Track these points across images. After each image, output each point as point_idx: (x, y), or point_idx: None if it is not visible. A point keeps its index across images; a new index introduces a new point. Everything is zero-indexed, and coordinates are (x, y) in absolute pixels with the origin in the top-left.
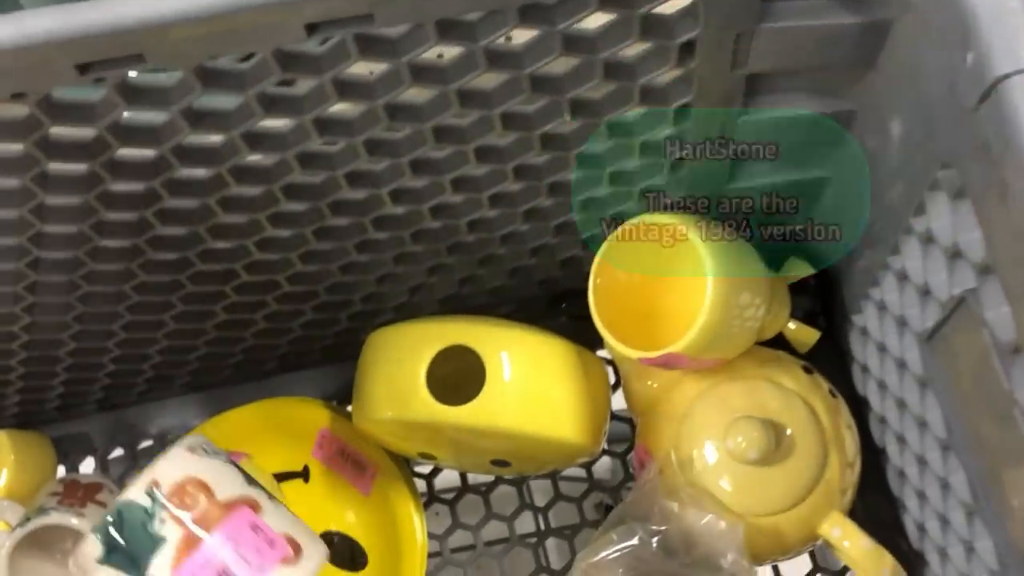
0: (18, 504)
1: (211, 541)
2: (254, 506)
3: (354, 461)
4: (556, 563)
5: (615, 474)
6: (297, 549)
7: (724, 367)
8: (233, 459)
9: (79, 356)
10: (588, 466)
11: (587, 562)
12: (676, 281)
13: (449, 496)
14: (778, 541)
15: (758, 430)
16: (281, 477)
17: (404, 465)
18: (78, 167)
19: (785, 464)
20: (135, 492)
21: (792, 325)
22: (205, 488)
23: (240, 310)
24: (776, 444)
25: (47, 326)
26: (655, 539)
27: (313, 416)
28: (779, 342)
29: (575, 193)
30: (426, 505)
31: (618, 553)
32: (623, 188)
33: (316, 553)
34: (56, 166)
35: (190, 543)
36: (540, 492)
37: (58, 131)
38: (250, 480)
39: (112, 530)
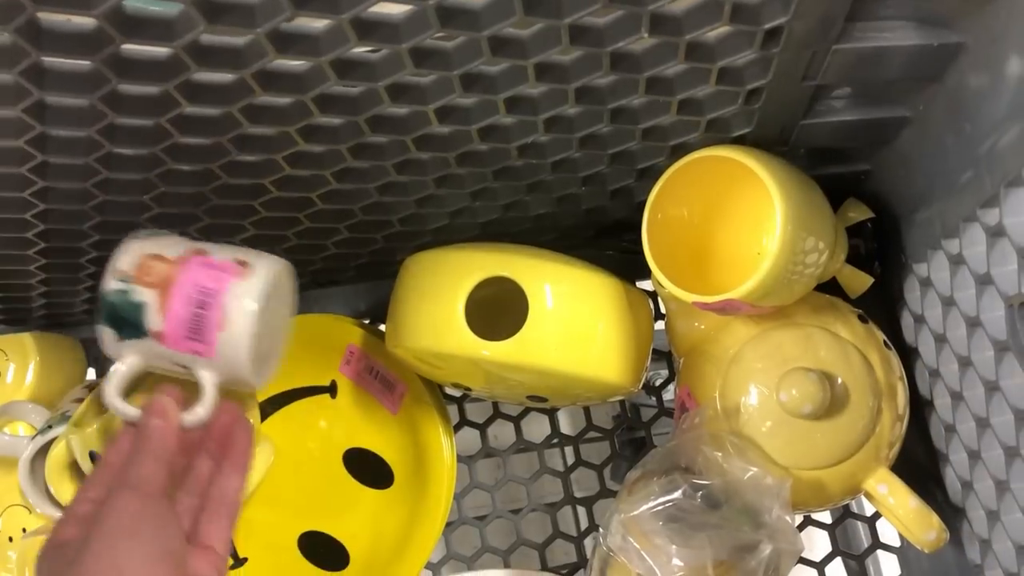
0: (43, 406)
1: (178, 285)
2: (201, 252)
3: (383, 379)
4: (580, 492)
5: (647, 410)
6: (245, 264)
7: (777, 312)
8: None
9: (103, 256)
10: (622, 400)
11: (627, 515)
12: (736, 221)
13: (480, 420)
14: (820, 494)
15: (813, 384)
16: (307, 391)
17: (435, 387)
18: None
19: (837, 418)
20: (111, 283)
21: (846, 270)
22: (159, 257)
23: (271, 225)
24: (829, 398)
25: (69, 234)
26: (700, 492)
27: (342, 332)
28: (828, 286)
29: (640, 119)
30: (456, 429)
31: (661, 506)
32: (692, 117)
33: (263, 263)
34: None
35: (166, 293)
36: (570, 422)
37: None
38: (195, 240)
39: (111, 316)
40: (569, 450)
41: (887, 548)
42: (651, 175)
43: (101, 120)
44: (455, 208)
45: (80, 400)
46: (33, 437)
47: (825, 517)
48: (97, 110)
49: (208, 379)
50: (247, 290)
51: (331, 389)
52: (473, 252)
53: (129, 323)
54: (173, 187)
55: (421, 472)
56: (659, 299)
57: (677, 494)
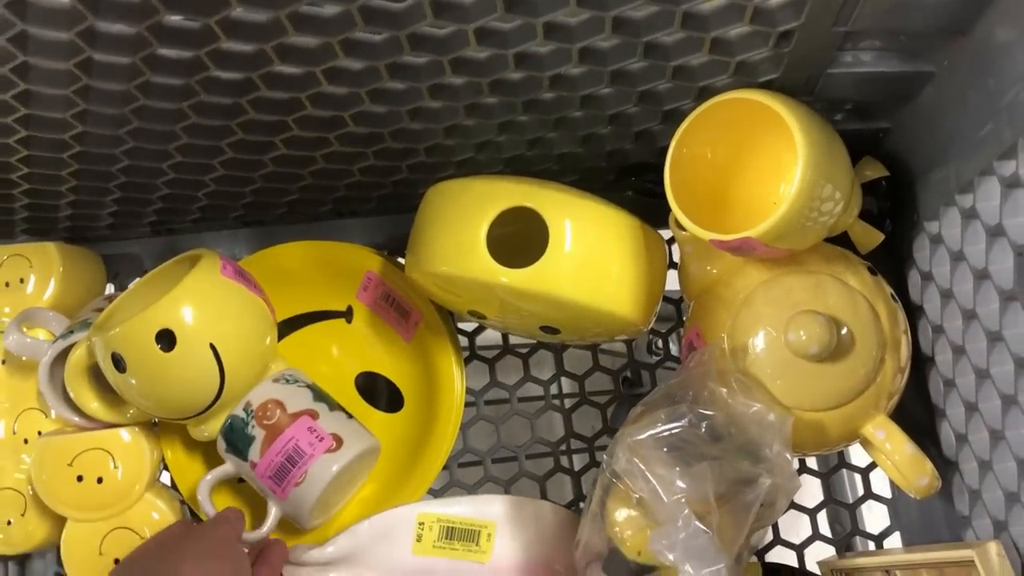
0: (63, 316)
1: (281, 437)
2: (313, 414)
3: (399, 307)
4: (584, 430)
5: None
6: (340, 442)
7: (789, 259)
8: (311, 384)
9: (132, 175)
10: (628, 342)
11: (633, 439)
12: (755, 168)
13: (490, 355)
14: (820, 436)
15: (820, 326)
16: (324, 316)
17: (449, 318)
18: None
19: (841, 363)
20: (240, 409)
21: (858, 225)
22: (280, 405)
23: (301, 146)
24: (835, 342)
25: (102, 157)
26: (704, 423)
27: (361, 259)
28: (839, 241)
29: (671, 57)
30: (466, 361)
31: (667, 432)
32: (722, 57)
33: (355, 445)
34: None
35: (270, 439)
36: (577, 361)
37: None
38: (318, 395)
39: (228, 432)
40: (569, 401)
41: (879, 499)
42: (675, 119)
43: (145, 48)
44: (481, 140)
45: (100, 310)
46: (54, 341)
47: (820, 465)
48: (143, 38)
49: (274, 513)
50: (331, 463)
51: (347, 314)
52: (498, 182)
53: (237, 446)
54: (212, 96)
55: (431, 399)
56: (674, 245)
57: (683, 423)
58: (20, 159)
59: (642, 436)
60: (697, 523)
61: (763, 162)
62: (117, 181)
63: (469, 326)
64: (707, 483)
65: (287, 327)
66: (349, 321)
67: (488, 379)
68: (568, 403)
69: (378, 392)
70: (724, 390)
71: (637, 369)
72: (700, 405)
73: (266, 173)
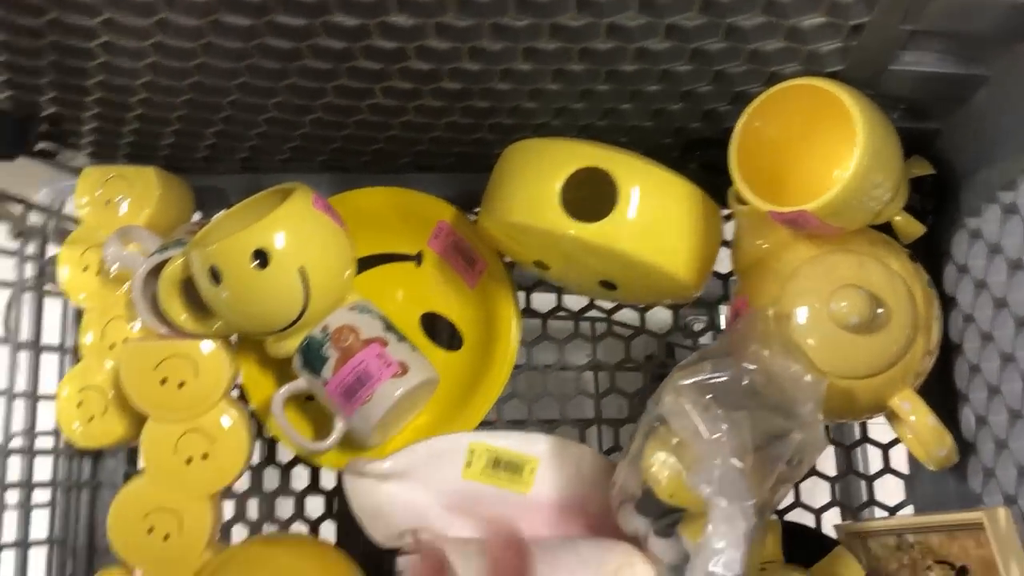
0: (156, 236)
1: (353, 360)
2: (383, 342)
3: (466, 256)
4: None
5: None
6: (405, 369)
7: (837, 239)
8: (382, 316)
9: (239, 110)
10: (677, 306)
11: (682, 382)
12: (812, 153)
13: (543, 311)
14: (849, 404)
15: (862, 299)
16: (396, 258)
17: (510, 272)
18: None
19: (876, 336)
20: (315, 331)
21: (900, 217)
22: (354, 331)
23: (397, 96)
24: (873, 316)
25: (216, 89)
26: (745, 378)
27: (435, 209)
28: (883, 230)
29: (750, 40)
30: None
31: (712, 380)
32: (796, 45)
33: (419, 373)
34: None
35: (342, 360)
36: (610, 350)
37: None
38: (387, 327)
39: (304, 350)
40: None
41: (896, 473)
42: (742, 101)
43: None
44: (560, 106)
45: (192, 233)
46: (150, 255)
47: (844, 438)
48: None
49: (339, 428)
50: (395, 387)
51: (417, 258)
52: (576, 143)
53: (311, 363)
54: (329, 39)
55: (487, 342)
56: (727, 224)
57: (727, 374)
58: (143, 83)
59: (689, 381)
60: (734, 460)
61: (819, 150)
62: (223, 114)
63: (526, 283)
64: (744, 430)
65: (361, 265)
66: (419, 265)
67: (539, 333)
68: (608, 370)
69: (439, 332)
70: (766, 351)
71: (668, 348)
72: (744, 361)
73: (360, 120)
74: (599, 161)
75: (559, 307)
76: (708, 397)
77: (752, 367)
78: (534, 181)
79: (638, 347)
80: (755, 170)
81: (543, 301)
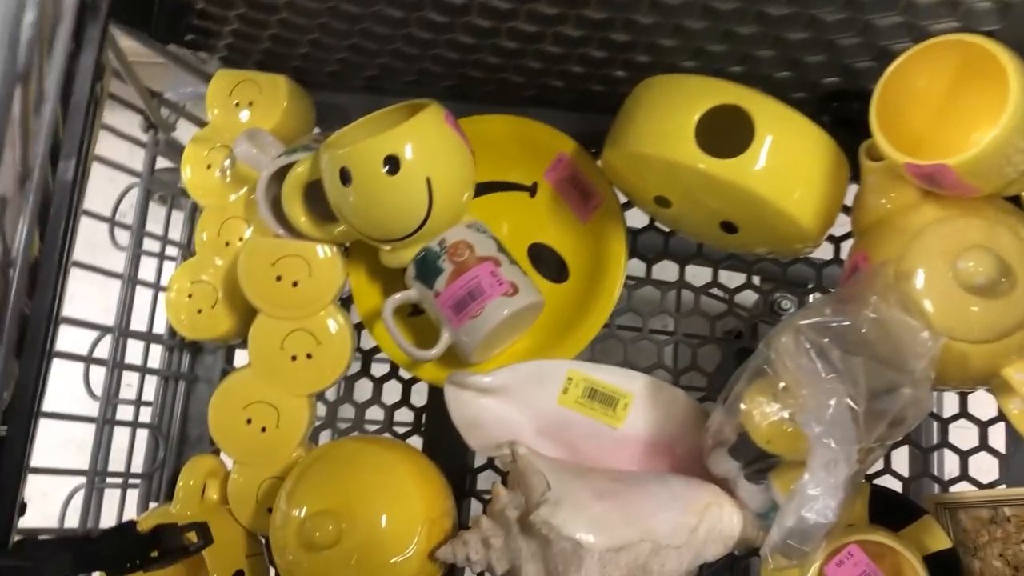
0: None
1: (467, 274)
2: (496, 262)
3: (582, 190)
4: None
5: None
6: (516, 289)
7: (967, 204)
8: (496, 238)
9: (379, 24)
10: (767, 289)
11: (802, 322)
12: (953, 114)
13: (649, 255)
14: (961, 368)
15: (991, 260)
16: (512, 187)
17: (623, 213)
18: None
19: (998, 301)
20: (432, 244)
21: None
22: (470, 247)
23: (538, 21)
24: (1000, 279)
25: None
26: (866, 325)
27: (556, 141)
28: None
29: None
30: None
31: (833, 324)
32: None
33: (528, 295)
34: None
35: (456, 273)
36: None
37: None
38: (500, 248)
39: (420, 262)
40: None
41: (993, 452)
42: (885, 58)
43: None
44: (699, 46)
45: (318, 142)
46: (277, 157)
47: (944, 411)
48: None
49: (445, 338)
50: (505, 305)
51: (532, 189)
52: (716, 80)
53: (425, 274)
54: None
55: (594, 277)
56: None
57: (849, 318)
58: None
59: (809, 321)
60: (848, 400)
61: (960, 112)
62: (361, 25)
63: (637, 224)
64: (860, 375)
65: (478, 189)
66: (533, 195)
67: (643, 274)
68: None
69: (546, 262)
70: (885, 305)
71: (753, 328)
72: (864, 310)
73: (494, 45)
74: (740, 99)
75: (666, 250)
76: (826, 340)
77: (872, 315)
78: (670, 113)
79: (722, 324)
80: (892, 126)
81: (633, 268)
